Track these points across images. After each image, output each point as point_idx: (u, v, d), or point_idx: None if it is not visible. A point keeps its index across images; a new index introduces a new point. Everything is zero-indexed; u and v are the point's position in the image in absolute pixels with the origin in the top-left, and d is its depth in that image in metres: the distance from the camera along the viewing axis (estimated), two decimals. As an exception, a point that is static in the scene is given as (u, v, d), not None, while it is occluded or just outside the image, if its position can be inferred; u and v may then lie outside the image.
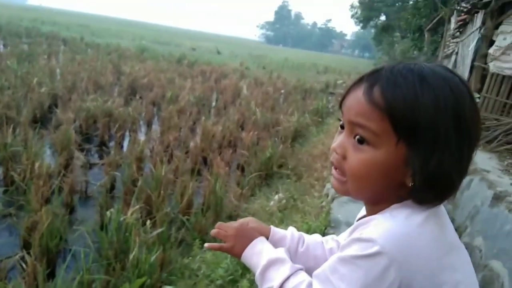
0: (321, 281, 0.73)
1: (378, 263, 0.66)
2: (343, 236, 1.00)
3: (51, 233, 3.12)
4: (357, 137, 0.73)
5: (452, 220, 3.01)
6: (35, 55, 13.00)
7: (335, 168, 0.78)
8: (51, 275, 2.95)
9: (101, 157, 5.72)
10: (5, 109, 6.05)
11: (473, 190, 3.54)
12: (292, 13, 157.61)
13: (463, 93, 0.71)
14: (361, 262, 0.67)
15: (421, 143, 0.68)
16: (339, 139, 0.77)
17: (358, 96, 0.73)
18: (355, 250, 0.69)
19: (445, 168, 0.69)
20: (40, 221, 3.16)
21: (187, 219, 3.82)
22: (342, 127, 0.78)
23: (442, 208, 0.76)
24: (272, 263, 0.85)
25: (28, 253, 3.00)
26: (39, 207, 3.48)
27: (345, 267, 0.69)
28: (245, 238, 0.94)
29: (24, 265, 2.91)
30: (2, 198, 3.89)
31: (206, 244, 1.00)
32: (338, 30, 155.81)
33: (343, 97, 0.77)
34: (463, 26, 10.19)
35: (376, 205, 0.78)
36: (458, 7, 10.98)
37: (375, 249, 0.66)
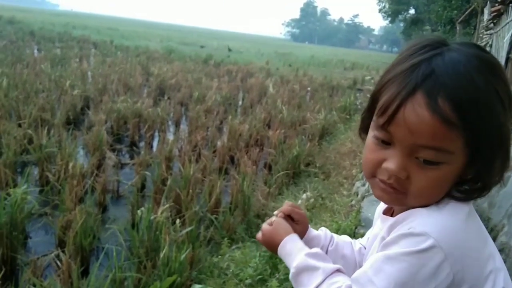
0: (361, 285, 0.68)
1: (432, 258, 0.62)
2: (365, 237, 1.00)
3: (85, 231, 3.21)
4: (424, 159, 0.67)
5: (488, 219, 2.88)
6: (67, 58, 13.43)
7: (392, 188, 0.72)
8: (84, 273, 3.04)
9: (131, 157, 5.84)
10: (40, 112, 6.27)
11: (510, 188, 3.39)
12: (318, 10, 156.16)
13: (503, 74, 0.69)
14: (413, 258, 0.63)
15: (480, 143, 0.67)
16: (396, 161, 0.69)
17: (422, 115, 0.64)
18: (405, 245, 0.64)
19: (492, 162, 0.69)
20: (74, 220, 3.25)
21: (216, 218, 3.84)
22: (385, 142, 0.71)
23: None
24: (301, 270, 0.81)
25: (63, 251, 3.09)
26: (73, 206, 3.59)
27: (394, 265, 0.64)
28: (273, 238, 0.92)
29: (59, 263, 3.00)
30: (38, 198, 4.02)
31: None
32: (365, 25, 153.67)
33: (394, 113, 0.67)
34: (497, 17, 9.81)
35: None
36: (492, -2, 10.57)
37: (429, 243, 0.62)
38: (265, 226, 0.95)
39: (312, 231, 1.01)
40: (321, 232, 1.01)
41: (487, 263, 0.69)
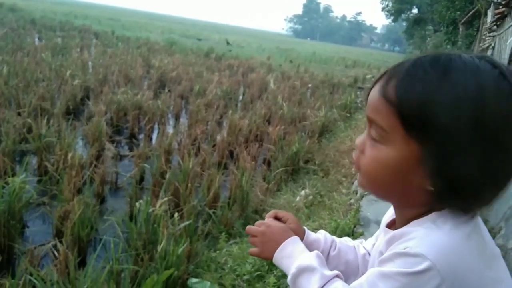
0: None
1: (428, 281, 0.60)
2: (371, 242, 0.97)
3: (83, 222, 3.20)
4: (372, 135, 0.71)
5: (486, 222, 2.89)
6: (68, 48, 13.36)
7: (357, 167, 0.76)
8: (82, 263, 3.03)
9: (131, 149, 5.83)
10: (39, 101, 6.25)
11: (508, 190, 3.40)
12: (321, 6, 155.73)
13: (494, 91, 0.62)
14: (408, 279, 0.61)
15: (435, 143, 0.63)
16: (360, 136, 0.76)
17: (375, 90, 0.71)
18: (400, 265, 0.62)
19: (466, 175, 0.63)
20: (72, 211, 3.25)
21: (214, 212, 3.85)
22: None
23: (479, 217, 0.72)
24: (302, 271, 0.80)
25: (60, 242, 3.09)
26: (71, 197, 3.58)
27: (387, 284, 0.63)
28: (273, 240, 0.89)
29: (56, 253, 3.00)
30: (36, 188, 4.01)
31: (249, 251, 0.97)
32: (368, 23, 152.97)
33: (369, 91, 0.74)
34: (500, 19, 9.79)
35: (402, 209, 0.74)
36: (496, 0, 10.54)
37: (425, 265, 0.60)
38: (253, 238, 0.94)
39: (311, 235, 0.98)
40: (321, 236, 0.99)
41: (489, 286, 0.65)
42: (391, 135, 0.67)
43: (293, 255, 0.84)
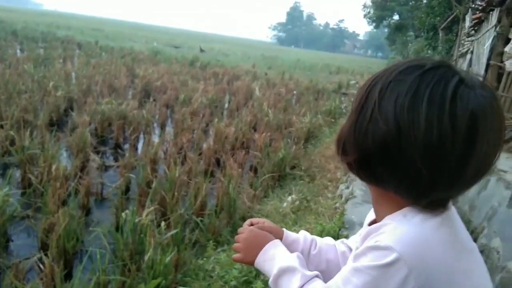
0: None
1: (396, 272, 0.62)
2: (354, 239, 0.99)
3: (68, 234, 3.17)
4: None
5: (469, 222, 2.94)
6: (51, 59, 13.23)
7: None
8: (68, 276, 3.00)
9: (116, 159, 5.79)
10: (22, 113, 6.17)
11: (490, 191, 3.48)
12: (304, 14, 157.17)
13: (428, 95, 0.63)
14: (378, 272, 0.64)
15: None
16: None
17: None
18: (370, 259, 0.65)
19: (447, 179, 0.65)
20: (57, 223, 3.21)
21: (201, 221, 3.84)
22: None
23: (453, 210, 0.74)
24: (283, 272, 0.82)
25: (46, 255, 3.05)
26: (56, 209, 3.54)
27: (360, 278, 0.66)
28: (255, 245, 0.91)
29: (42, 266, 2.96)
30: (20, 200, 3.95)
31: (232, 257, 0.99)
32: (350, 30, 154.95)
33: None
34: (478, 24, 10.03)
35: (379, 205, 0.77)
36: (473, 5, 10.82)
37: (393, 256, 0.62)
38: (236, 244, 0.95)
39: (290, 236, 1.00)
40: (300, 236, 1.01)
41: (457, 279, 0.67)
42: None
43: (274, 257, 0.86)
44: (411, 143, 0.63)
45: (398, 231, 0.66)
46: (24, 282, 2.77)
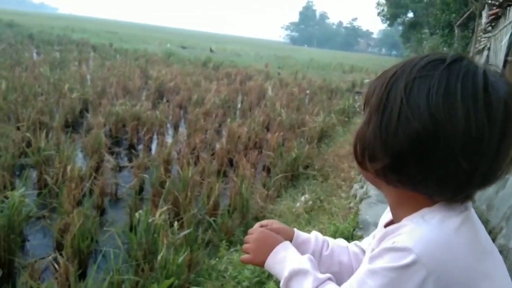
0: None
1: (414, 275, 0.60)
2: (367, 241, 0.96)
3: (83, 234, 3.20)
4: None
5: (487, 222, 2.88)
6: (66, 62, 13.44)
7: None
8: (82, 276, 3.02)
9: (130, 160, 5.84)
10: (38, 115, 6.27)
11: (508, 190, 3.39)
12: (317, 13, 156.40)
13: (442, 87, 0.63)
14: (395, 274, 0.61)
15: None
16: None
17: None
18: (387, 261, 0.63)
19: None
20: (72, 223, 3.24)
21: (214, 221, 3.84)
22: None
23: (473, 212, 0.71)
24: (295, 275, 0.79)
25: (61, 254, 3.08)
26: (71, 209, 3.58)
27: (376, 280, 0.63)
28: (265, 246, 0.88)
29: (56, 266, 2.99)
30: (36, 201, 4.02)
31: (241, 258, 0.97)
32: (364, 28, 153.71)
33: None
34: (495, 20, 9.84)
35: (400, 206, 0.73)
36: (490, 1, 10.60)
37: (411, 258, 0.60)
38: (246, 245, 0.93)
39: (301, 236, 0.98)
40: (312, 236, 0.98)
41: (478, 282, 0.64)
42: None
43: (285, 260, 0.84)
44: (450, 137, 0.62)
45: (417, 232, 0.64)
46: (39, 282, 2.80)
